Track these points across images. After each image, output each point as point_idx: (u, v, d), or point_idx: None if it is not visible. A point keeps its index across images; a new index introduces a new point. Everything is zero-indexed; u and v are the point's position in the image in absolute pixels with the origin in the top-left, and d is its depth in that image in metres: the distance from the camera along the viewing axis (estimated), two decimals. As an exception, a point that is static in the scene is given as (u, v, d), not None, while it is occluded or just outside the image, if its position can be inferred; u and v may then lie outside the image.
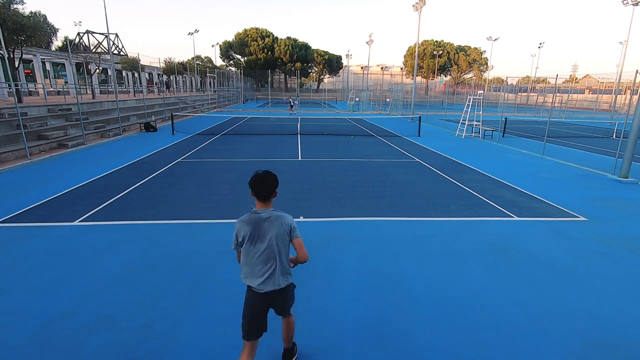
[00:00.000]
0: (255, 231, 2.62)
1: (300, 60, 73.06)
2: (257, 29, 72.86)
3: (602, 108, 43.76)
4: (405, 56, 78.02)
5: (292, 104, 34.61)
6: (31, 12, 15.48)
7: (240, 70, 60.44)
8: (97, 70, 28.31)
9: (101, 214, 6.73)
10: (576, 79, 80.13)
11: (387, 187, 8.88)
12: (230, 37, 74.39)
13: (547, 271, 4.88)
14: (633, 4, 32.68)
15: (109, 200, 7.54)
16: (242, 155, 12.88)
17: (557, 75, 17.02)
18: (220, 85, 46.28)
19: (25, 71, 27.58)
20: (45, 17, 16.30)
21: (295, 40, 74.37)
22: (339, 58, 77.74)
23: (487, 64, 75.08)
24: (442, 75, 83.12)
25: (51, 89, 27.70)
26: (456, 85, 73.63)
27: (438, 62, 72.61)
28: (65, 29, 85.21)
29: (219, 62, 70.76)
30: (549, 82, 69.82)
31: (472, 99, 18.28)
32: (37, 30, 15.29)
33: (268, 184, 2.62)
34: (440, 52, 73.12)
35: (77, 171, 9.95)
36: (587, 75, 69.84)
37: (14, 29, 14.48)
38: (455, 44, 78.11)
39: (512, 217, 6.93)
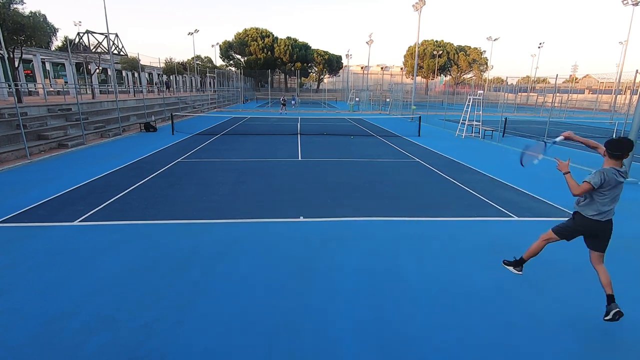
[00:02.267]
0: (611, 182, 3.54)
1: (300, 60, 73.04)
2: (257, 29, 72.86)
3: (602, 108, 43.75)
4: (405, 56, 78.01)
5: (284, 102, 34.26)
6: (31, 12, 15.46)
7: (240, 70, 60.43)
8: (97, 70, 28.31)
9: (101, 214, 6.73)
10: (576, 79, 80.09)
11: (387, 187, 8.88)
12: (230, 37, 74.44)
13: (547, 271, 4.88)
14: (633, 4, 32.70)
15: (109, 200, 7.54)
16: (242, 155, 12.88)
17: (557, 75, 17.07)
18: (220, 85, 46.27)
19: (25, 71, 27.55)
20: (45, 17, 16.28)
21: (295, 40, 74.35)
22: (339, 58, 77.73)
23: (487, 64, 75.10)
24: (442, 75, 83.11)
25: (51, 89, 27.67)
26: (456, 85, 73.62)
27: (438, 62, 72.60)
28: (65, 29, 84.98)
29: (219, 62, 70.80)
30: (549, 82, 69.83)
31: (472, 99, 18.28)
32: (37, 30, 15.27)
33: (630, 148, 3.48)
34: (440, 52, 73.11)
35: (77, 171, 9.95)
36: (587, 75, 69.87)
37: (13, 29, 14.46)
38: (455, 44, 78.10)
39: (512, 217, 6.92)
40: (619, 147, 3.48)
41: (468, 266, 4.98)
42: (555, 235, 3.99)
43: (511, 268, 4.39)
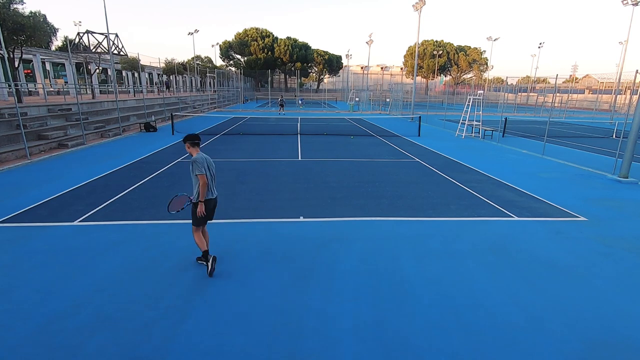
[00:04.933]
0: (211, 165, 4.70)
1: (300, 60, 73.05)
2: (257, 29, 72.88)
3: (602, 108, 43.75)
4: (405, 56, 78.03)
5: (282, 104, 33.78)
6: (31, 12, 15.47)
7: (240, 70, 60.43)
8: (97, 70, 28.31)
9: (101, 214, 6.73)
10: (576, 79, 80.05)
11: (387, 187, 8.88)
12: (230, 37, 74.47)
13: (547, 271, 4.89)
14: (633, 4, 32.68)
15: (109, 200, 7.54)
16: (242, 155, 12.88)
17: (557, 75, 17.02)
18: (220, 85, 46.26)
19: (25, 71, 27.56)
20: (45, 17, 16.28)
21: (295, 40, 74.37)
22: (339, 58, 77.74)
23: (487, 64, 75.11)
24: (442, 75, 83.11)
25: (51, 89, 27.67)
26: (456, 85, 73.62)
27: (438, 62, 72.61)
28: (65, 29, 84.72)
29: (219, 62, 70.78)
30: (549, 82, 69.81)
31: (472, 99, 18.28)
32: (37, 30, 15.27)
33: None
34: (440, 52, 73.12)
35: (77, 171, 9.95)
36: (587, 75, 69.80)
37: (13, 29, 14.46)
38: (455, 44, 78.13)
39: (512, 217, 6.93)
40: (196, 137, 4.69)
41: (468, 266, 4.98)
42: (198, 228, 4.70)
43: (204, 263, 4.77)
